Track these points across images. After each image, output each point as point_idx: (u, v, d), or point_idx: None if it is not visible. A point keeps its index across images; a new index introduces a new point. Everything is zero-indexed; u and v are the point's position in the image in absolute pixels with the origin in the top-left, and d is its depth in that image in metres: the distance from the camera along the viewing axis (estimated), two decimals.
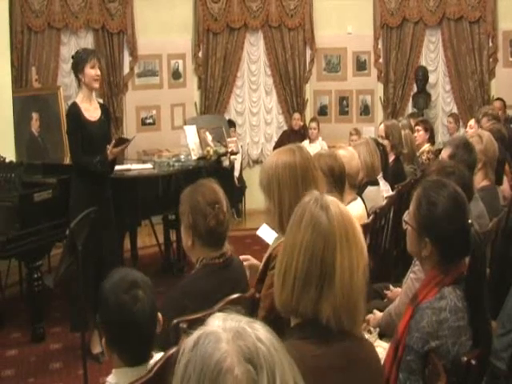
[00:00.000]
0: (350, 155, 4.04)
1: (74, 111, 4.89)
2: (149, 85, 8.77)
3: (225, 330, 1.05)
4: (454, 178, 3.00)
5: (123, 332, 2.01)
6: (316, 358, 1.65)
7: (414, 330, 2.13)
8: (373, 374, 1.78)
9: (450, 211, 2.24)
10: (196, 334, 1.06)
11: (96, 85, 4.92)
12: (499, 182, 4.55)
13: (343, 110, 9.54)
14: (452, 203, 2.26)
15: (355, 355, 1.73)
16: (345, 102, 9.51)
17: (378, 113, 9.40)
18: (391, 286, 3.68)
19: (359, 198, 4.01)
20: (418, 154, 6.38)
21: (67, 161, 5.91)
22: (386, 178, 4.93)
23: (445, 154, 3.88)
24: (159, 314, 2.11)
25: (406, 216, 2.38)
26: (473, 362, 2.03)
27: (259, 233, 4.06)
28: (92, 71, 4.81)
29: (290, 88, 9.34)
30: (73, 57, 5.06)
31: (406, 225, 2.35)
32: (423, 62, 9.24)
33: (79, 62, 4.85)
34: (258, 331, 1.06)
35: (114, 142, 4.93)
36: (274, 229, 2.80)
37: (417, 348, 2.11)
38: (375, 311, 3.23)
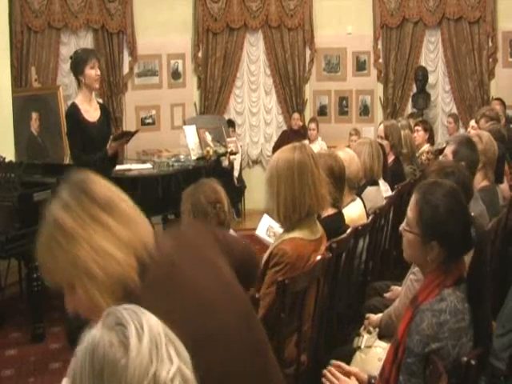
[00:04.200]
0: (350, 158, 3.99)
1: (74, 112, 4.88)
2: (148, 85, 8.77)
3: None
4: (454, 179, 3.00)
5: None
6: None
7: (415, 333, 2.12)
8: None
9: (452, 208, 2.23)
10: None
11: (97, 85, 4.92)
12: (500, 180, 4.55)
13: (343, 111, 9.53)
14: (452, 199, 2.25)
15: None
16: (344, 102, 9.51)
17: (378, 113, 9.38)
18: (392, 287, 3.68)
19: (358, 199, 4.00)
20: (417, 154, 6.38)
21: (67, 160, 5.90)
22: (385, 178, 4.92)
23: (448, 150, 3.91)
24: None
25: (405, 225, 2.32)
26: (472, 362, 2.02)
27: (258, 233, 4.07)
28: (92, 72, 4.80)
29: (289, 88, 9.33)
30: (71, 57, 5.03)
31: (406, 233, 2.30)
32: (423, 62, 9.23)
33: (79, 63, 4.84)
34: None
35: (112, 136, 4.90)
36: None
37: (417, 350, 2.10)
38: (369, 315, 3.23)
